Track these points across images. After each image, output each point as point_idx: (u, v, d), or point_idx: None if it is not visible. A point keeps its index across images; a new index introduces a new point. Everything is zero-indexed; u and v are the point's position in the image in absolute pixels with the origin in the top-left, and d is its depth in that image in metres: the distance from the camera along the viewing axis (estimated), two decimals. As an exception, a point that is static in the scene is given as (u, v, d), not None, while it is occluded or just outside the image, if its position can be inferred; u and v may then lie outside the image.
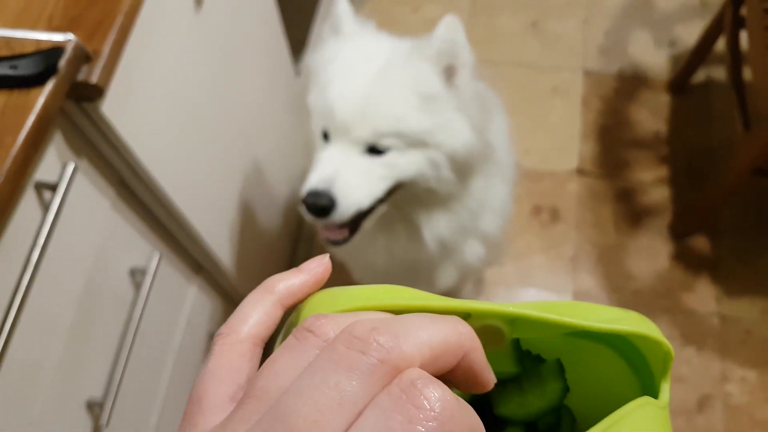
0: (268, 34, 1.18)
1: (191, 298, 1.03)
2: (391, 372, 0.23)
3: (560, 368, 0.31)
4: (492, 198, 0.97)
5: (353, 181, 0.79)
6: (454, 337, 0.25)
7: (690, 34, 1.84)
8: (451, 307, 0.27)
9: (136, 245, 0.85)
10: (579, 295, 1.52)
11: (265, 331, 0.27)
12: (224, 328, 0.27)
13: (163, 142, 0.81)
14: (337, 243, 0.86)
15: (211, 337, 1.10)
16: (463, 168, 0.84)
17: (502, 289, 1.54)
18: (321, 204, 0.78)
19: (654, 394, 0.27)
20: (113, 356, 0.80)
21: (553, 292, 1.53)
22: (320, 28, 0.88)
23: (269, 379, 0.23)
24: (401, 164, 0.80)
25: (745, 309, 1.50)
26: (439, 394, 0.22)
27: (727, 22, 1.47)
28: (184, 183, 0.88)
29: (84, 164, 0.70)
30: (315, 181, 0.79)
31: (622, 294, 1.53)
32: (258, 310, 0.27)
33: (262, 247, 1.28)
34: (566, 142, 1.72)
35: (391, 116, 0.77)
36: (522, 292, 1.54)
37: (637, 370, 0.29)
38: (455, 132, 0.80)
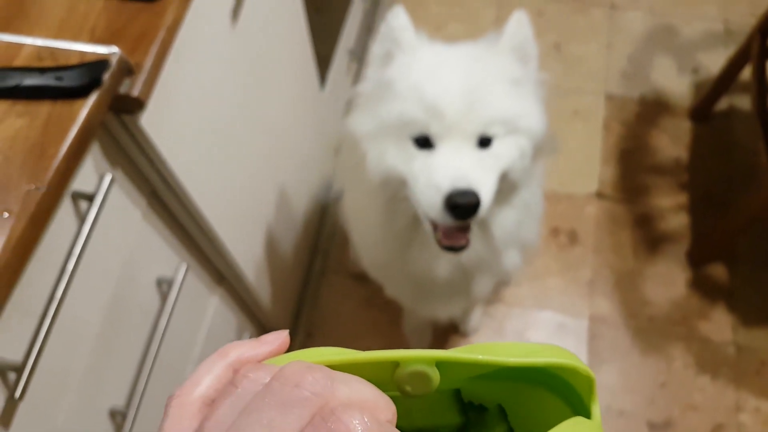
0: (297, 48, 1.19)
1: (212, 309, 1.03)
2: (321, 406, 0.24)
3: (502, 413, 0.33)
4: (535, 203, 0.98)
5: (480, 176, 0.78)
6: (384, 400, 0.26)
7: (713, 61, 1.85)
8: (379, 358, 0.29)
9: (164, 255, 0.85)
10: (595, 320, 1.52)
11: (215, 392, 0.29)
12: (177, 392, 0.29)
13: (195, 155, 0.82)
14: (460, 249, 0.83)
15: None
16: (535, 156, 0.85)
17: (517, 309, 1.54)
18: (473, 202, 0.75)
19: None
20: (137, 366, 0.81)
21: (568, 316, 1.53)
22: (372, 44, 0.88)
23: (212, 426, 0.25)
24: (504, 154, 0.80)
25: (761, 339, 1.49)
26: (358, 420, 0.24)
27: (754, 52, 1.47)
28: (213, 195, 0.89)
29: (119, 175, 0.71)
30: (454, 181, 0.76)
31: (638, 320, 1.52)
32: (210, 374, 0.29)
33: (281, 259, 1.29)
34: (586, 165, 1.72)
35: (495, 103, 0.79)
36: (537, 315, 1.53)
37: (571, 403, 0.31)
38: (535, 116, 0.83)
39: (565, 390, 0.31)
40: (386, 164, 0.82)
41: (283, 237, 1.29)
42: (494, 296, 1.54)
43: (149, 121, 0.67)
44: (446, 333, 1.51)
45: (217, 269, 1.02)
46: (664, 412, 1.41)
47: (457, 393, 0.33)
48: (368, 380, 0.27)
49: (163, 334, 0.81)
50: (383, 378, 0.29)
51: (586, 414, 0.29)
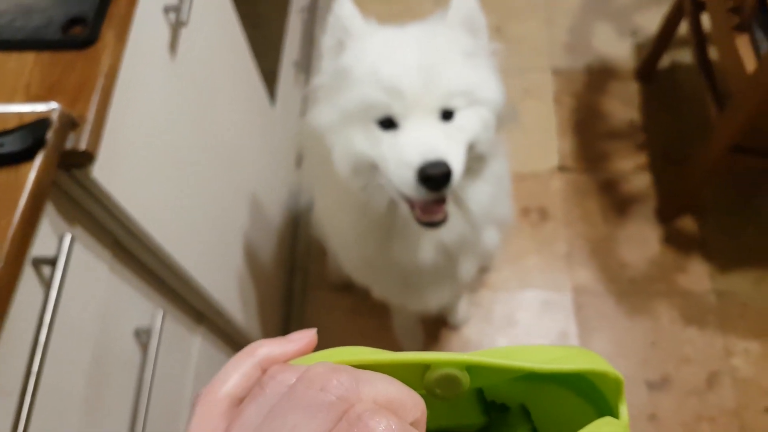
0: (241, 68, 1.17)
1: (197, 349, 1.01)
2: (347, 410, 0.24)
3: (526, 413, 0.34)
4: (504, 176, 0.99)
5: (448, 147, 0.78)
6: (412, 398, 0.26)
7: (650, 21, 1.87)
8: (409, 360, 0.29)
9: (138, 305, 0.83)
10: (578, 291, 1.53)
11: (243, 391, 0.28)
12: (204, 389, 0.29)
13: (154, 197, 0.79)
14: (438, 224, 0.83)
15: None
16: (497, 127, 0.86)
17: (502, 294, 1.54)
18: (444, 171, 0.76)
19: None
20: (129, 421, 0.78)
21: (552, 291, 1.54)
22: (319, 38, 0.88)
23: (238, 430, 0.25)
24: (468, 125, 0.81)
25: (738, 283, 1.52)
26: (384, 425, 0.24)
27: (687, 7, 1.49)
28: (179, 234, 0.87)
29: (78, 232, 0.68)
30: (423, 154, 0.76)
31: (619, 284, 1.53)
32: (238, 372, 0.29)
33: (260, 284, 1.27)
34: (544, 141, 1.73)
35: (452, 76, 0.79)
36: (522, 295, 1.54)
37: (595, 404, 0.31)
38: (492, 85, 0.84)
39: (589, 390, 0.31)
40: (354, 152, 0.82)
41: (259, 261, 1.27)
42: (478, 282, 1.54)
43: (102, 171, 0.65)
44: (437, 329, 1.51)
45: (195, 308, 1.00)
46: (659, 370, 1.43)
47: (479, 392, 0.33)
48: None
49: (151, 385, 0.78)
50: (412, 380, 0.29)
51: (611, 414, 0.29)
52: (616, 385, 0.29)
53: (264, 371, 0.29)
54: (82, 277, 0.68)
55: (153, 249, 0.80)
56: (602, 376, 0.29)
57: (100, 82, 0.62)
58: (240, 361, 0.29)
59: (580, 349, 0.30)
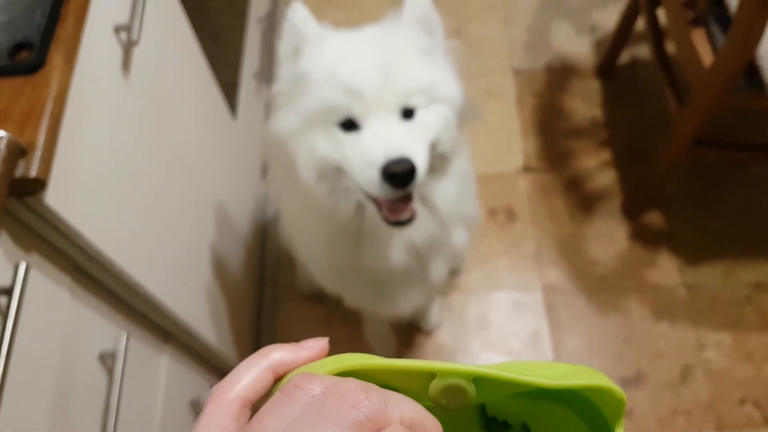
0: (199, 82, 1.16)
1: (165, 369, 0.99)
2: (375, 430, 0.25)
3: (527, 431, 0.34)
4: (468, 174, 1.00)
5: (411, 144, 0.79)
6: (431, 421, 0.27)
7: (608, 18, 1.90)
8: (418, 367, 0.29)
9: (102, 328, 0.81)
10: (548, 290, 1.54)
11: (255, 393, 0.29)
12: (216, 388, 0.29)
13: (113, 218, 0.78)
14: (406, 222, 0.84)
15: (192, 405, 1.07)
16: (459, 124, 0.87)
17: (473, 296, 1.55)
18: (408, 168, 0.76)
19: None
20: (97, 450, 0.76)
21: (522, 291, 1.54)
22: (270, 46, 0.88)
23: None
24: (429, 123, 0.82)
25: (707, 275, 1.54)
26: None
27: (643, 3, 1.51)
28: (141, 254, 0.85)
29: (35, 259, 0.66)
30: (386, 152, 0.77)
31: (589, 281, 1.55)
32: (250, 374, 0.29)
33: (228, 299, 1.25)
34: (508, 141, 1.75)
35: (409, 74, 0.80)
36: (493, 297, 1.54)
37: (594, 426, 0.32)
38: (451, 83, 0.85)
39: (590, 412, 0.31)
40: (318, 156, 0.82)
41: (227, 275, 1.26)
42: (449, 285, 1.54)
43: (55, 197, 0.63)
44: (410, 335, 1.51)
45: (162, 327, 0.98)
46: (633, 366, 1.45)
47: (481, 408, 0.33)
48: (402, 388, 0.28)
49: (118, 409, 0.77)
50: (418, 388, 0.29)
51: None
52: (618, 405, 0.30)
53: (276, 375, 0.29)
54: (40, 305, 0.67)
55: (114, 271, 0.79)
56: (607, 393, 0.30)
57: (48, 107, 0.61)
58: (253, 363, 0.29)
59: (585, 367, 0.31)
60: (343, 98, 0.79)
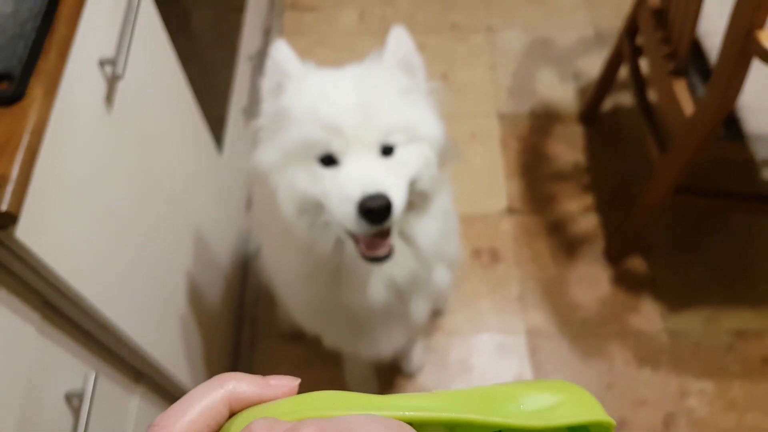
0: (185, 117, 1.15)
1: (135, 410, 0.96)
2: None
3: None
4: (450, 212, 1.00)
5: (388, 180, 0.79)
6: None
7: (591, 65, 1.93)
8: (392, 415, 0.27)
9: (70, 367, 0.78)
10: (532, 333, 1.53)
11: (206, 429, 0.25)
12: (159, 420, 0.25)
13: (87, 253, 0.76)
14: (383, 258, 0.83)
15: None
16: (440, 164, 0.88)
17: (456, 338, 1.53)
18: (384, 204, 0.76)
19: None
20: (59, 495, 0.73)
21: (506, 334, 1.53)
22: (249, 85, 0.89)
23: None
24: (408, 160, 0.82)
25: (689, 322, 1.54)
26: None
27: (626, 53, 1.54)
28: (115, 291, 0.83)
29: (2, 294, 0.64)
30: (363, 187, 0.77)
31: (572, 325, 1.54)
32: (201, 404, 0.25)
33: (204, 337, 1.23)
34: (492, 183, 1.75)
35: (389, 112, 0.81)
36: (477, 339, 1.53)
37: None
38: (431, 122, 0.86)
39: None
40: (298, 190, 0.83)
41: (205, 311, 1.23)
42: (432, 326, 1.53)
43: (26, 232, 0.62)
44: (391, 377, 1.48)
45: (133, 367, 0.95)
46: (616, 413, 1.43)
47: None
48: None
49: (83, 453, 0.74)
50: None
51: None
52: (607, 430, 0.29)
53: (231, 410, 0.26)
54: (5, 342, 0.64)
55: (85, 308, 0.76)
56: (596, 426, 0.29)
57: (25, 140, 0.60)
58: (207, 392, 0.26)
59: (568, 387, 0.30)
60: (323, 134, 0.79)
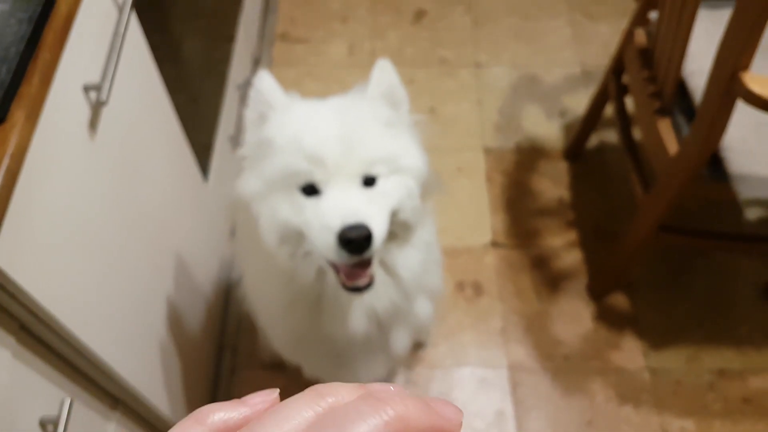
0: (171, 144, 1.16)
1: (111, 438, 0.95)
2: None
3: None
4: (432, 243, 1.00)
5: (369, 210, 0.79)
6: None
7: (578, 103, 1.96)
8: None
9: (44, 392, 0.77)
10: (514, 368, 1.52)
11: None
12: None
13: (65, 279, 0.76)
14: (363, 288, 0.83)
15: (136, 478, 1.02)
16: (423, 195, 0.88)
17: (438, 371, 1.52)
18: (364, 234, 0.76)
19: None
20: None
21: (488, 368, 1.52)
22: (237, 114, 0.90)
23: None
24: (390, 191, 0.83)
25: (671, 360, 1.54)
26: None
27: (612, 91, 1.57)
28: (93, 315, 0.83)
29: (-24, 317, 0.64)
30: (343, 217, 0.78)
31: (554, 361, 1.54)
32: None
33: (184, 365, 1.21)
34: (477, 217, 1.76)
35: (371, 144, 0.81)
36: (458, 373, 1.52)
37: None
38: (415, 154, 0.86)
39: None
40: (279, 219, 0.83)
41: (185, 339, 1.22)
42: (414, 359, 1.52)
43: (4, 255, 0.61)
44: (370, 410, 1.46)
45: (110, 393, 0.94)
46: (596, 450, 1.42)
47: None
48: None
49: (53, 482, 0.73)
50: None
51: None
52: None
53: None
54: (-23, 367, 0.64)
55: (62, 333, 0.76)
56: None
57: (5, 164, 0.60)
58: (185, 430, 0.24)
59: None
60: (305, 164, 0.80)
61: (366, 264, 0.83)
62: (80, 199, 0.79)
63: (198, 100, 1.44)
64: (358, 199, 0.80)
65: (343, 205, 0.79)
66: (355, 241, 0.77)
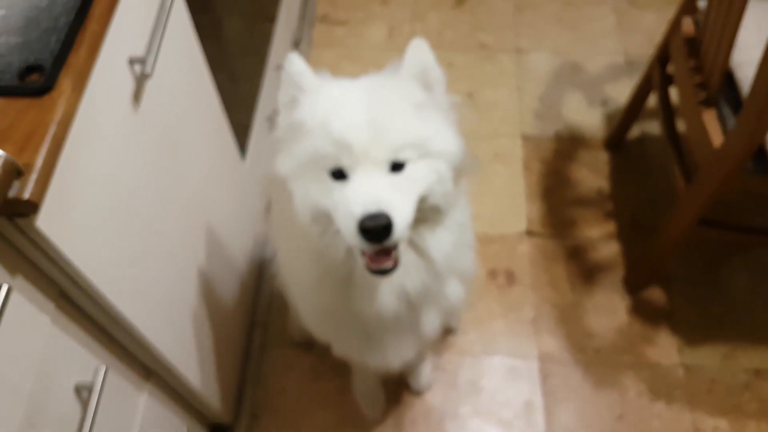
0: (211, 121, 1.17)
1: (142, 407, 0.96)
2: None
3: None
4: (466, 225, 0.98)
5: (394, 199, 0.79)
6: None
7: (620, 92, 1.92)
8: None
9: (81, 359, 0.79)
10: (545, 359, 1.51)
11: None
12: None
13: (105, 248, 0.77)
14: (387, 271, 0.83)
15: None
16: (456, 178, 0.87)
17: (468, 359, 1.52)
18: (383, 224, 0.76)
19: None
20: (61, 487, 0.73)
21: (518, 358, 1.51)
22: (276, 95, 0.89)
23: None
24: (419, 177, 0.82)
25: (707, 357, 1.51)
26: None
27: (656, 81, 1.53)
28: (130, 286, 0.84)
29: (19, 282, 0.65)
30: (365, 205, 0.77)
31: (586, 354, 1.52)
32: None
33: (216, 340, 1.23)
34: (512, 205, 1.74)
35: (401, 129, 0.80)
36: (488, 361, 1.51)
37: None
38: (448, 137, 0.84)
39: None
40: (310, 200, 0.83)
41: (218, 314, 1.24)
42: (443, 345, 1.52)
43: (47, 221, 0.62)
44: (398, 393, 1.47)
45: (143, 364, 0.96)
46: (625, 445, 1.40)
47: None
48: None
49: (87, 446, 0.74)
50: None
51: None
52: None
53: None
54: (19, 329, 0.65)
55: (100, 301, 0.77)
56: None
57: (51, 131, 0.60)
58: None
59: None
60: (332, 149, 0.80)
61: (389, 251, 0.83)
62: (122, 171, 0.80)
63: (238, 80, 1.44)
64: (383, 186, 0.79)
65: (366, 193, 0.78)
66: (374, 231, 0.76)
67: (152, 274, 0.93)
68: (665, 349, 1.52)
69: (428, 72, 0.86)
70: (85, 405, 0.78)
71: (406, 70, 0.85)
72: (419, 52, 0.86)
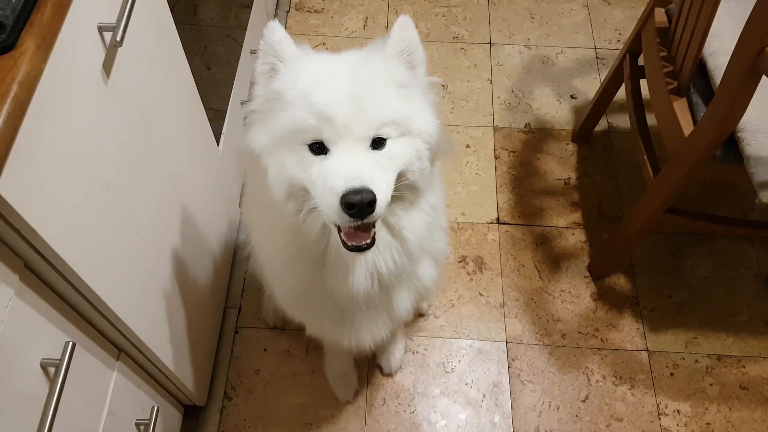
0: (185, 101, 1.16)
1: (113, 386, 0.95)
2: None
3: None
4: (439, 208, 0.99)
5: (375, 175, 0.78)
6: None
7: (589, 86, 1.95)
8: None
9: (47, 334, 0.78)
10: (512, 342, 1.53)
11: None
12: None
13: (73, 219, 0.76)
14: (364, 248, 0.83)
15: (138, 426, 1.02)
16: (432, 159, 0.87)
17: (437, 341, 1.53)
18: (368, 199, 0.75)
19: None
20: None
21: (486, 341, 1.53)
22: (252, 65, 0.87)
23: None
24: (398, 153, 0.82)
25: (669, 343, 1.55)
26: None
27: (627, 72, 1.55)
28: (100, 260, 0.83)
29: (-18, 251, 0.64)
30: (347, 180, 0.76)
31: (552, 338, 1.54)
32: None
33: (189, 321, 1.22)
34: (483, 194, 1.76)
35: (384, 106, 0.80)
36: (457, 344, 1.53)
37: None
38: (427, 118, 0.85)
39: None
40: (286, 174, 0.82)
41: (192, 294, 1.23)
42: (414, 326, 1.53)
43: (8, 187, 0.60)
44: (370, 374, 1.48)
45: (114, 342, 0.95)
46: (590, 427, 1.43)
47: None
48: None
49: (52, 421, 0.72)
50: None
51: None
52: None
53: None
54: (-18, 299, 0.64)
55: (67, 274, 0.76)
56: None
57: (13, 90, 0.58)
58: None
59: None
60: (314, 121, 0.79)
61: (368, 227, 0.82)
62: (92, 141, 0.79)
63: (212, 66, 1.44)
64: (365, 161, 0.79)
65: (348, 168, 0.78)
66: (358, 206, 0.76)
67: (124, 251, 0.92)
68: (629, 334, 1.56)
69: (413, 51, 0.86)
70: (52, 381, 0.77)
71: (391, 48, 0.85)
72: (405, 30, 0.85)
